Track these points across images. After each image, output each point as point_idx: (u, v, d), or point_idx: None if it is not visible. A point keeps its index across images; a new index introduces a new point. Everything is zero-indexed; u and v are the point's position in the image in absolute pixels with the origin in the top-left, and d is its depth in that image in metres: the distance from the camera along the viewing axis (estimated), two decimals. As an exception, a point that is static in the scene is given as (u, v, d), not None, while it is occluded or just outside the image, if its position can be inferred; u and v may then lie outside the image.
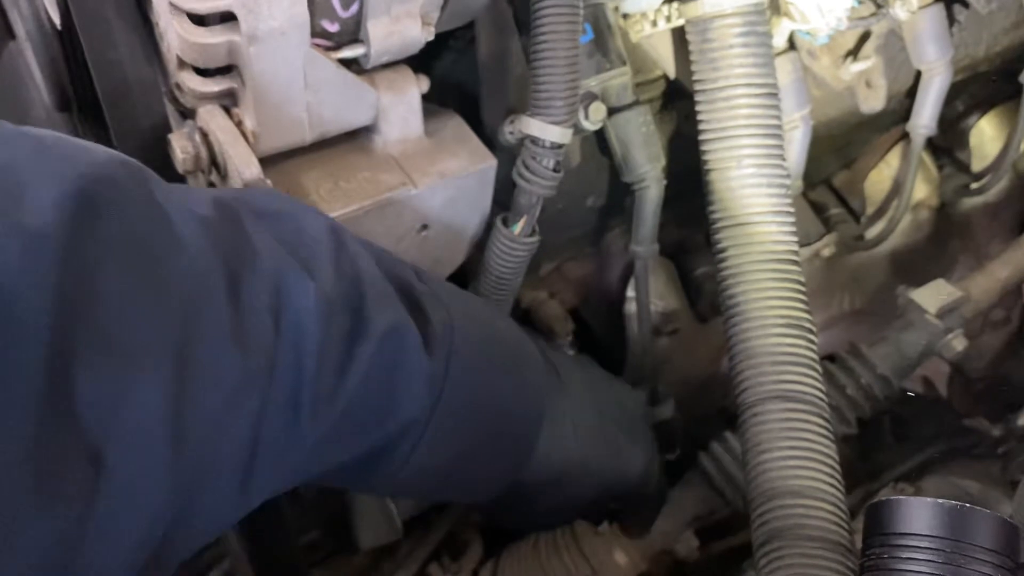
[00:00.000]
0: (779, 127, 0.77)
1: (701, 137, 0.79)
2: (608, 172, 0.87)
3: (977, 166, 1.22)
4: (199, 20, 0.58)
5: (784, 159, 0.78)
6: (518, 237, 0.75)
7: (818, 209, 1.12)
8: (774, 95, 0.77)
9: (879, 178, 1.13)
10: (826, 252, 1.05)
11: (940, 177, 1.21)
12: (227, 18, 0.58)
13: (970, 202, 1.21)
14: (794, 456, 0.69)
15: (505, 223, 0.75)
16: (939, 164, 1.21)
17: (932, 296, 0.93)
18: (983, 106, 1.21)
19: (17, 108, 1.04)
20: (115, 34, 0.60)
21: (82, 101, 0.85)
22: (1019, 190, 1.23)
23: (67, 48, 0.75)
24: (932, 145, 1.21)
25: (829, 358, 0.94)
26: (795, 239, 0.77)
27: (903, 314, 0.94)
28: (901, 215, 1.04)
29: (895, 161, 1.12)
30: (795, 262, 0.77)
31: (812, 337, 0.75)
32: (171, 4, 0.57)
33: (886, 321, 0.95)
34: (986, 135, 1.21)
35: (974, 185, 1.20)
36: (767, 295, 0.75)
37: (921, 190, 1.13)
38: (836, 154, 1.13)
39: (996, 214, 1.23)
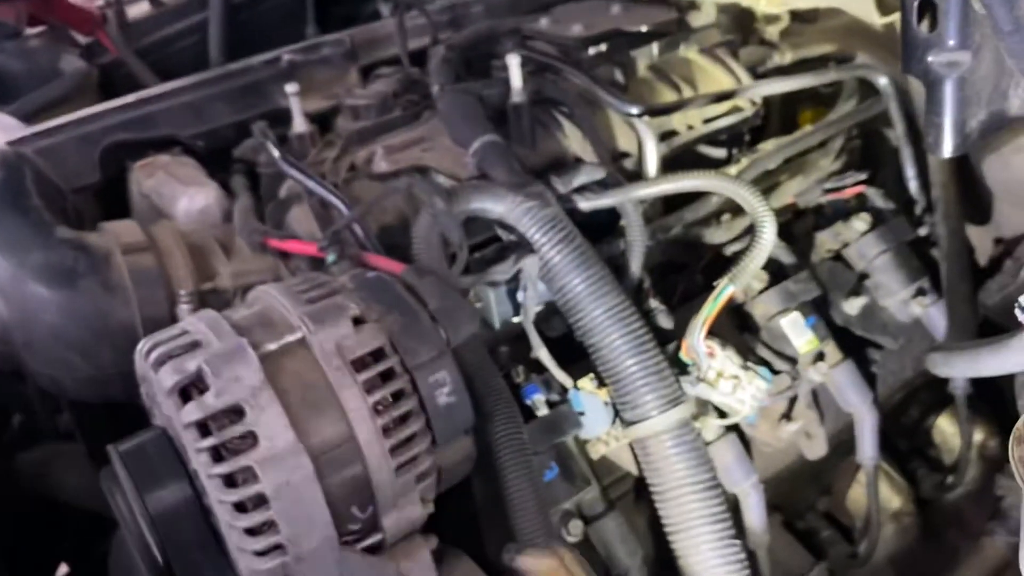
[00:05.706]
0: (725, 513, 0.94)
1: (665, 530, 0.96)
2: (601, 567, 1.03)
3: (948, 459, 1.36)
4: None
5: (735, 536, 0.94)
6: None
7: (810, 535, 1.26)
8: (715, 487, 0.95)
9: (857, 496, 1.27)
10: (819, 581, 1.18)
11: (919, 477, 1.34)
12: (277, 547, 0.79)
13: (953, 494, 1.33)
14: None
15: None
16: (912, 468, 1.35)
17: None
18: (936, 408, 1.37)
19: None
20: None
21: None
22: (991, 472, 1.35)
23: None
24: (899, 452, 1.36)
25: None
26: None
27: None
28: (878, 534, 1.18)
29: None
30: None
31: None
32: None
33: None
34: (947, 432, 1.36)
35: (950, 479, 1.33)
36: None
37: (895, 501, 1.27)
38: (813, 483, 1.28)
39: (979, 498, 1.35)
